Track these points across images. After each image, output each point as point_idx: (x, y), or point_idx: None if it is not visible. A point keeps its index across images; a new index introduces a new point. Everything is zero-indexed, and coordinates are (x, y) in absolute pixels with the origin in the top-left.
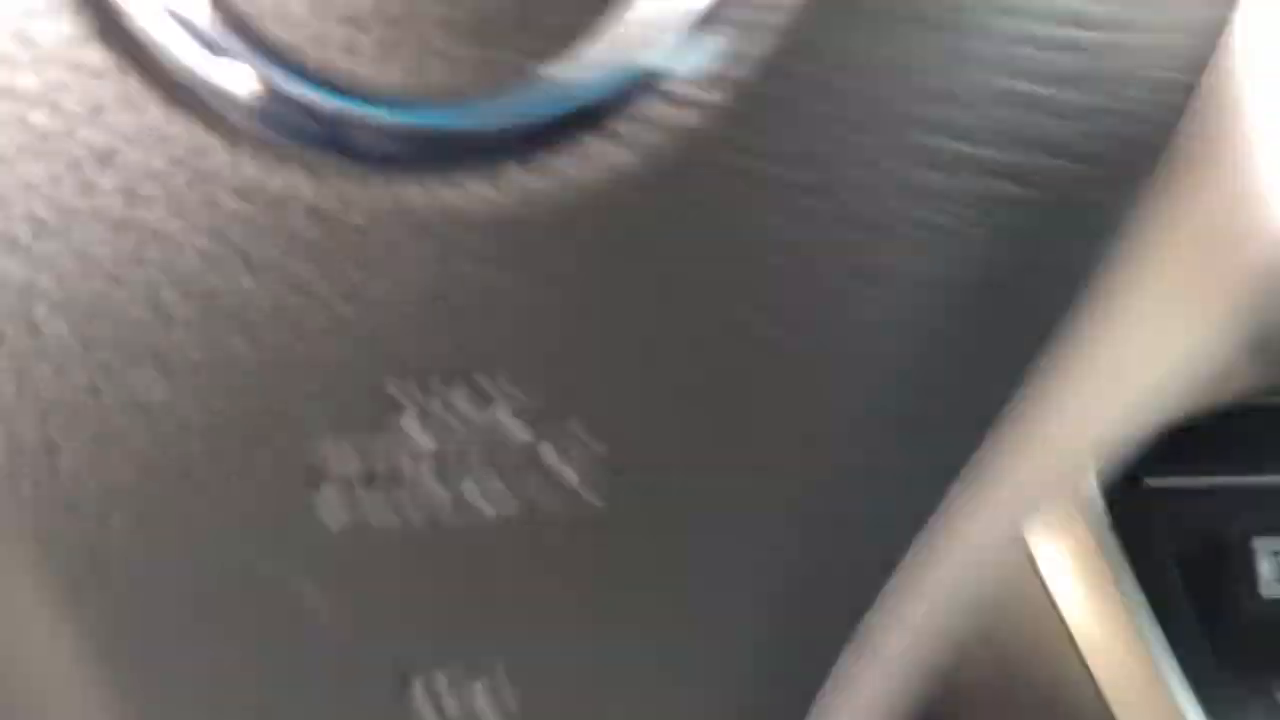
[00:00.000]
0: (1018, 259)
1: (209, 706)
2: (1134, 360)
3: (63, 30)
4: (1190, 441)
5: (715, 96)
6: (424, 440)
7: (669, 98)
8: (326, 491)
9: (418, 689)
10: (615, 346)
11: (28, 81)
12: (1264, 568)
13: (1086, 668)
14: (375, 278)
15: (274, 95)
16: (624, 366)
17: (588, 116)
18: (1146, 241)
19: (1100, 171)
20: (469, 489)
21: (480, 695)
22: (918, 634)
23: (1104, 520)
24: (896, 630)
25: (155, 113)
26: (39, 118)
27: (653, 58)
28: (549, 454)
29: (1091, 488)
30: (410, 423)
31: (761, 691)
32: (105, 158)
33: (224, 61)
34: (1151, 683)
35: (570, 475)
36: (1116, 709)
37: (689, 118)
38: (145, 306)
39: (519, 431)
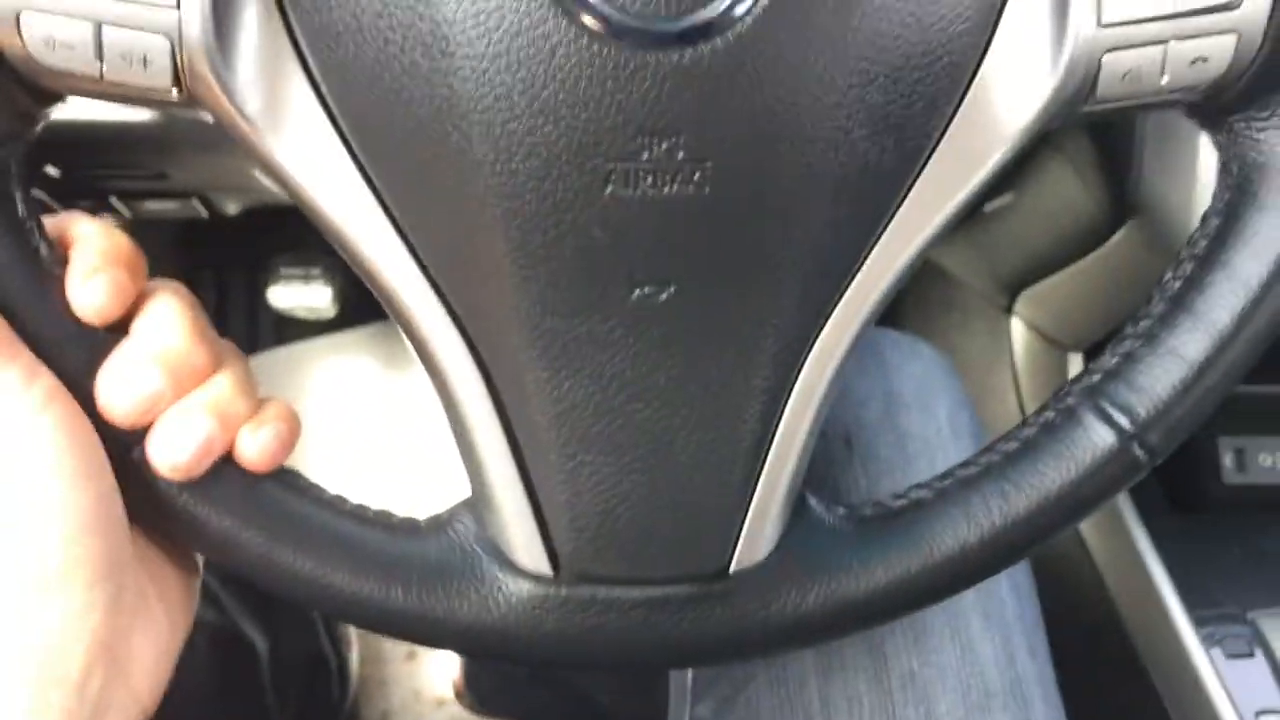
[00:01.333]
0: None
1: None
2: None
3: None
4: None
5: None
6: (645, 160)
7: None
8: (612, 182)
9: (637, 293)
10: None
11: None
12: (1226, 460)
13: (1084, 547)
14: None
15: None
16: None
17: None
18: None
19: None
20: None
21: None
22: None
23: None
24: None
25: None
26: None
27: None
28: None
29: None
30: (644, 154)
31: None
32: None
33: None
34: (1133, 560)
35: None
36: (1103, 569)
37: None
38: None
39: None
